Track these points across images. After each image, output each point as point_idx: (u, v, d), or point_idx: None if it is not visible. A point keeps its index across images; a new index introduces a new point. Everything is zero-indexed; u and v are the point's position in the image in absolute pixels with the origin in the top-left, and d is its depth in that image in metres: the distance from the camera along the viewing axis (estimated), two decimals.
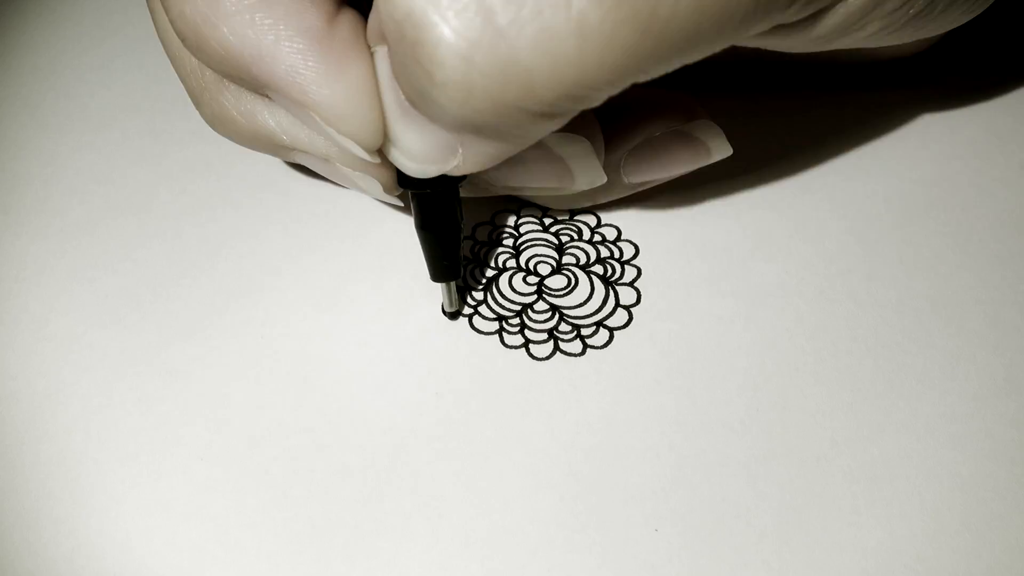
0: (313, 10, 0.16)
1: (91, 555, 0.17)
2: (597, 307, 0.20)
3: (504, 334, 0.20)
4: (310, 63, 0.15)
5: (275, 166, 0.23)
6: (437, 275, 0.19)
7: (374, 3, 0.15)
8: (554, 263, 0.21)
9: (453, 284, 0.20)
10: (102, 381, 0.19)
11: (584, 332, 0.20)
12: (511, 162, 0.18)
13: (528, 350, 0.19)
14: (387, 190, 0.18)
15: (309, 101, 0.15)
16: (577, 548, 0.16)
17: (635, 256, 0.21)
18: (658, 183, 0.21)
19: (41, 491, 0.18)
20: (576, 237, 0.21)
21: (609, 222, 0.22)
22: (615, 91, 0.14)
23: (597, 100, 0.14)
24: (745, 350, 0.19)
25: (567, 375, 0.19)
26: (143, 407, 0.19)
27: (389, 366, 0.19)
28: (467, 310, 0.20)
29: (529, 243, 0.21)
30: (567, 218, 0.22)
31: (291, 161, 0.20)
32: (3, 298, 0.21)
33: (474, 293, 0.21)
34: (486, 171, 0.18)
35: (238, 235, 0.22)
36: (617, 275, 0.21)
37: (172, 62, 0.19)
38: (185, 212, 0.23)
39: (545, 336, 0.20)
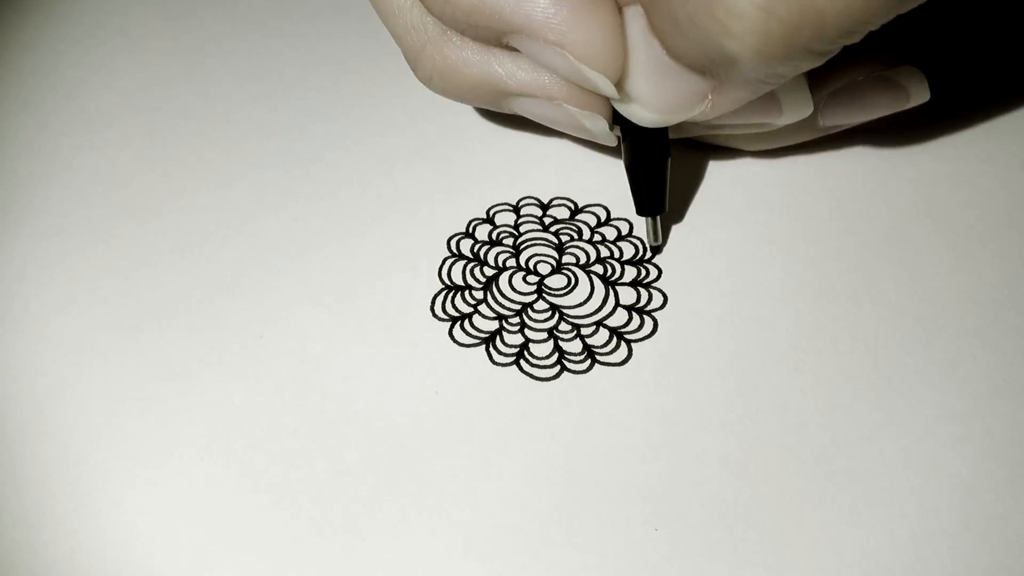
0: None
1: (91, 555, 0.17)
2: (597, 307, 0.20)
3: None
4: (563, 6, 0.17)
5: (276, 166, 0.23)
6: (644, 209, 0.20)
7: None
8: (554, 262, 0.21)
9: (659, 218, 0.20)
10: (102, 381, 0.19)
11: (584, 332, 0.20)
12: None
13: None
14: (610, 127, 0.19)
15: (566, 40, 0.17)
16: (577, 548, 0.16)
17: (635, 256, 0.21)
18: (848, 127, 0.21)
19: (41, 491, 0.18)
20: (576, 237, 0.21)
21: (609, 222, 0.22)
22: (888, 19, 0.15)
23: (873, 28, 0.15)
24: (745, 350, 0.19)
25: (567, 374, 0.19)
26: (143, 407, 0.19)
27: (389, 365, 0.19)
28: (467, 309, 0.20)
29: (529, 242, 0.21)
30: (567, 218, 0.22)
31: (508, 112, 0.20)
32: (3, 298, 0.21)
33: (474, 293, 0.21)
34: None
35: (238, 235, 0.22)
36: (617, 275, 0.21)
37: (387, 20, 0.20)
38: (185, 212, 0.23)
39: (545, 335, 0.20)
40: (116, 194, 0.23)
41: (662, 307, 0.20)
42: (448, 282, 0.21)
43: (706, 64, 0.16)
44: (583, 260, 0.21)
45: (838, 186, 0.22)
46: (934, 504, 0.17)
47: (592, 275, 0.21)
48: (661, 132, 0.19)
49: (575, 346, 0.19)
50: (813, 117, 0.20)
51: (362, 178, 0.23)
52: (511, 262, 0.21)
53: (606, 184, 0.22)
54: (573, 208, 0.22)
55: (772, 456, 0.17)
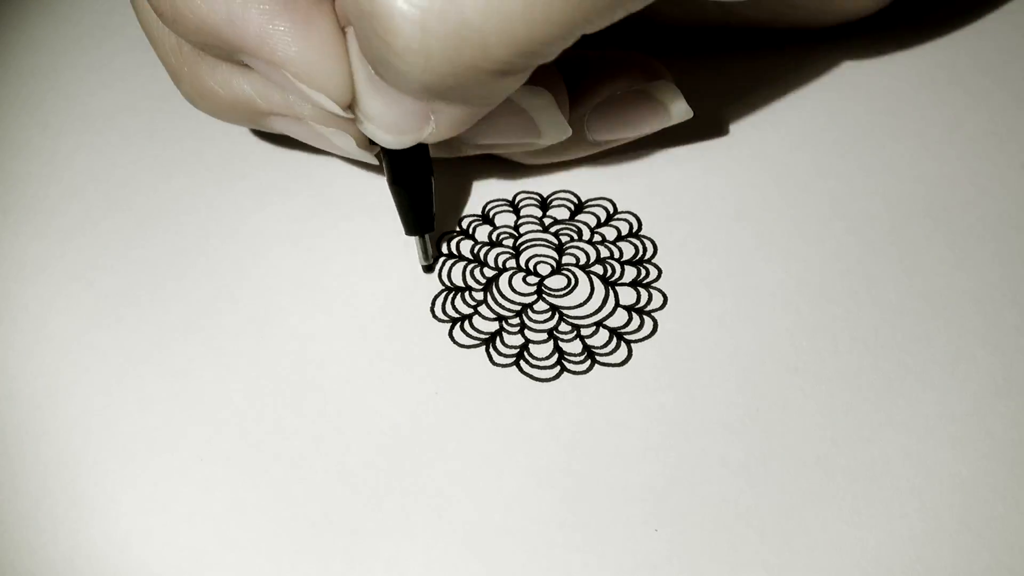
0: None
1: (91, 555, 0.17)
2: (597, 307, 0.20)
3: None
4: (278, 23, 0.16)
5: (275, 166, 0.23)
6: (411, 228, 0.20)
7: None
8: (554, 263, 0.21)
9: (428, 237, 0.20)
10: (102, 381, 0.19)
11: (584, 332, 0.20)
12: (479, 120, 0.19)
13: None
14: (360, 146, 0.19)
15: (280, 59, 0.16)
16: (577, 548, 0.16)
17: (635, 256, 0.21)
18: (623, 142, 0.21)
19: (41, 491, 0.18)
20: (576, 237, 0.21)
21: (610, 222, 0.22)
22: (566, 44, 0.15)
23: (551, 54, 0.15)
24: (745, 350, 0.19)
25: (567, 375, 0.19)
26: (143, 407, 0.19)
27: (389, 365, 0.19)
28: (467, 309, 0.20)
29: (529, 243, 0.21)
30: (567, 218, 0.22)
31: (271, 131, 0.20)
32: (3, 298, 0.21)
33: (474, 293, 0.21)
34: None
35: (238, 234, 0.22)
36: (617, 275, 0.21)
37: (153, 44, 0.20)
38: (185, 212, 0.23)
39: (545, 336, 0.20)
40: (115, 194, 0.23)
41: (662, 307, 0.20)
42: (448, 283, 0.21)
43: (394, 83, 0.16)
44: (583, 261, 0.21)
45: (838, 186, 0.22)
46: (934, 504, 0.17)
47: (592, 276, 0.21)
48: (419, 149, 0.19)
49: (575, 347, 0.19)
50: (583, 132, 0.21)
51: (362, 177, 0.23)
52: (511, 263, 0.21)
53: (608, 180, 0.22)
54: (575, 204, 0.22)
55: (772, 456, 0.17)
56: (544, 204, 0.22)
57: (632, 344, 0.19)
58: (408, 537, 0.17)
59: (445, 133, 0.17)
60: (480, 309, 0.20)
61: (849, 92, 0.24)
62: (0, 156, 0.25)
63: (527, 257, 0.21)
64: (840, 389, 0.18)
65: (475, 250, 0.21)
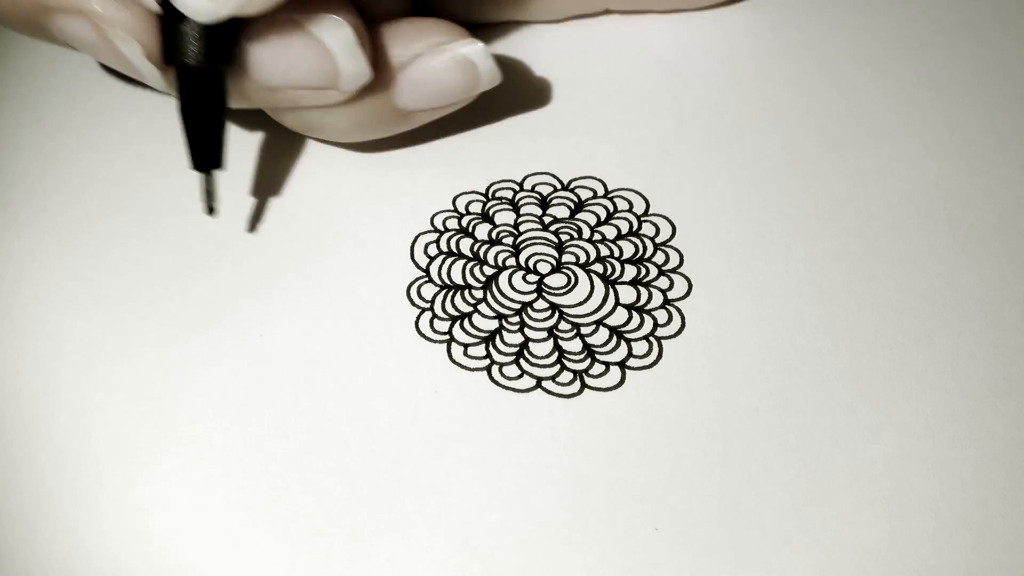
0: None
1: (90, 554, 0.17)
2: (597, 306, 0.20)
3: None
4: None
5: (275, 165, 0.23)
6: (199, 162, 0.19)
7: None
8: (554, 261, 0.21)
9: (215, 174, 0.19)
10: (102, 380, 0.19)
11: (584, 331, 0.20)
12: (274, 54, 0.19)
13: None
14: (150, 57, 0.18)
15: None
16: (577, 548, 0.16)
17: (635, 255, 0.21)
18: (438, 114, 0.21)
19: (40, 490, 0.18)
20: (576, 236, 0.21)
21: (609, 223, 0.22)
22: None
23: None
24: (745, 350, 0.19)
25: (566, 372, 0.19)
26: (143, 406, 0.19)
27: (389, 365, 0.19)
28: (466, 307, 0.20)
29: (528, 241, 0.21)
30: (567, 217, 0.22)
31: (53, 41, 0.19)
32: (3, 298, 0.21)
33: (474, 292, 0.21)
34: (250, 69, 0.19)
35: (238, 234, 0.22)
36: (617, 274, 0.21)
37: None
38: (185, 211, 0.23)
39: (545, 335, 0.20)
40: (115, 193, 0.23)
41: (662, 307, 0.20)
42: (448, 281, 0.21)
43: None
44: (583, 259, 0.21)
45: (838, 186, 0.22)
46: (934, 504, 0.17)
47: (592, 274, 0.21)
48: (216, 75, 0.18)
49: (575, 345, 0.19)
50: (390, 100, 0.20)
51: (364, 177, 0.23)
52: (511, 261, 0.21)
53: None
54: (576, 202, 0.22)
55: (772, 456, 0.17)
56: (544, 203, 0.22)
57: (632, 344, 0.19)
58: (408, 537, 0.17)
59: (262, 4, 0.17)
60: (480, 308, 0.20)
61: (849, 92, 0.24)
62: (0, 156, 0.25)
63: (527, 255, 0.21)
64: (840, 389, 0.18)
65: (475, 248, 0.21)
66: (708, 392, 0.18)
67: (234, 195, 0.23)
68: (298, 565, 0.17)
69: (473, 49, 0.20)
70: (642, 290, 0.20)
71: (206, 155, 0.19)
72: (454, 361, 0.19)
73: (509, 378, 0.19)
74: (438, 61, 0.20)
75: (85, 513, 0.17)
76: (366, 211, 0.22)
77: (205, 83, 0.18)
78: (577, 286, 0.20)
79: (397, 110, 0.21)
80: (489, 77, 0.20)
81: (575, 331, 0.20)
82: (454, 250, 0.21)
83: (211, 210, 0.20)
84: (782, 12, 0.26)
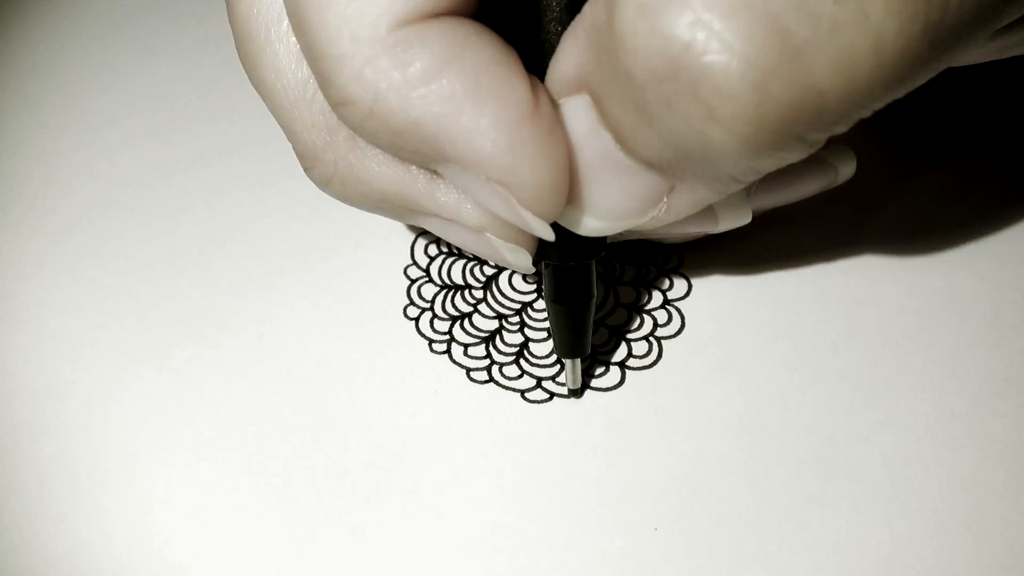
0: (517, 77, 0.13)
1: (91, 554, 0.17)
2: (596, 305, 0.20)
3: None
4: (514, 139, 0.13)
5: (275, 165, 0.23)
6: (564, 351, 0.18)
7: (565, 46, 0.13)
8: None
9: (579, 361, 0.18)
10: (102, 380, 0.19)
11: None
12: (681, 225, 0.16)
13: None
14: (534, 263, 0.17)
15: (511, 181, 0.13)
16: (577, 548, 0.16)
17: (635, 255, 0.21)
18: (776, 207, 0.19)
19: (41, 489, 0.18)
20: None
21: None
22: (887, 102, 0.13)
23: (858, 118, 0.13)
24: (744, 350, 0.19)
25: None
26: (143, 406, 0.19)
27: (388, 365, 0.19)
28: (466, 307, 0.20)
29: None
30: None
31: (410, 223, 0.18)
32: (3, 297, 0.21)
33: (474, 292, 0.21)
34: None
35: (238, 234, 0.22)
36: (617, 274, 0.21)
37: (277, 112, 0.16)
38: (185, 211, 0.23)
39: (545, 335, 0.20)
40: (115, 193, 0.23)
41: (662, 307, 0.20)
42: (448, 281, 0.21)
43: (672, 158, 0.13)
44: None
45: (838, 189, 0.22)
46: (934, 504, 0.17)
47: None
48: (589, 265, 0.17)
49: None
50: (746, 203, 0.18)
51: None
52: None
53: None
54: None
55: (772, 456, 0.17)
56: None
57: (632, 343, 0.19)
58: (408, 537, 0.17)
59: (674, 216, 0.14)
60: (480, 307, 0.20)
61: None
62: (0, 156, 0.25)
63: None
64: (840, 389, 0.18)
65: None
66: (707, 392, 0.18)
67: (234, 195, 0.23)
68: (298, 565, 0.17)
69: (837, 151, 0.18)
70: (642, 290, 0.20)
71: (573, 345, 0.18)
72: (454, 361, 0.19)
73: (509, 378, 0.19)
74: (801, 167, 0.18)
75: (86, 512, 0.17)
76: (367, 213, 0.22)
77: (575, 276, 0.17)
78: None
79: (748, 211, 0.18)
80: (845, 173, 0.19)
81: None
82: (454, 250, 0.21)
83: (577, 393, 0.19)
84: None
